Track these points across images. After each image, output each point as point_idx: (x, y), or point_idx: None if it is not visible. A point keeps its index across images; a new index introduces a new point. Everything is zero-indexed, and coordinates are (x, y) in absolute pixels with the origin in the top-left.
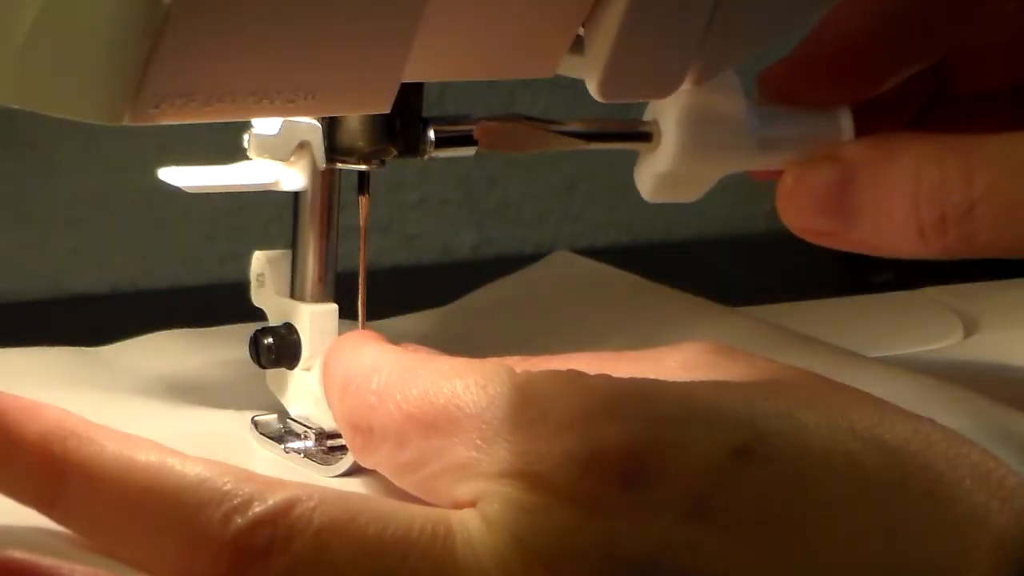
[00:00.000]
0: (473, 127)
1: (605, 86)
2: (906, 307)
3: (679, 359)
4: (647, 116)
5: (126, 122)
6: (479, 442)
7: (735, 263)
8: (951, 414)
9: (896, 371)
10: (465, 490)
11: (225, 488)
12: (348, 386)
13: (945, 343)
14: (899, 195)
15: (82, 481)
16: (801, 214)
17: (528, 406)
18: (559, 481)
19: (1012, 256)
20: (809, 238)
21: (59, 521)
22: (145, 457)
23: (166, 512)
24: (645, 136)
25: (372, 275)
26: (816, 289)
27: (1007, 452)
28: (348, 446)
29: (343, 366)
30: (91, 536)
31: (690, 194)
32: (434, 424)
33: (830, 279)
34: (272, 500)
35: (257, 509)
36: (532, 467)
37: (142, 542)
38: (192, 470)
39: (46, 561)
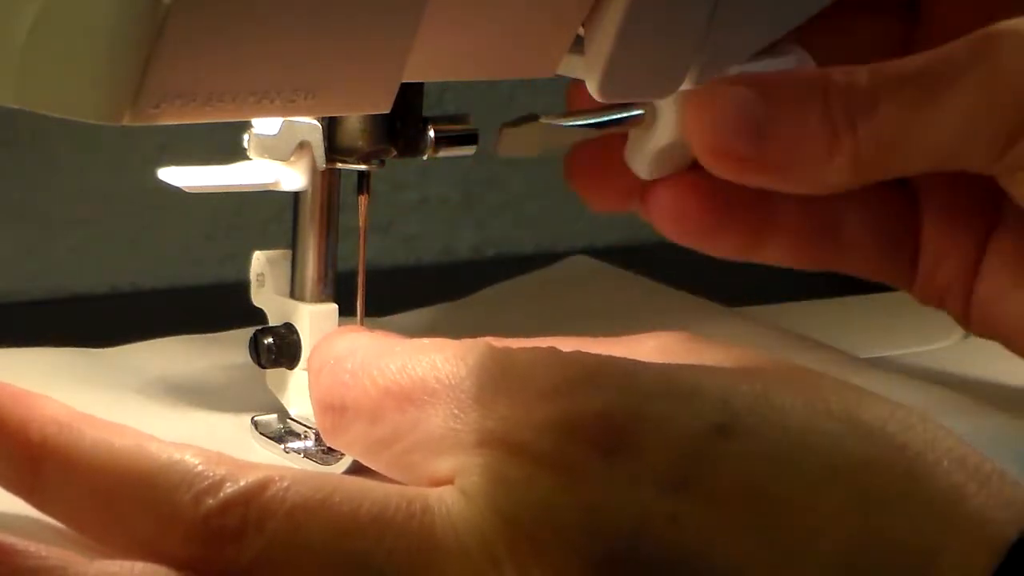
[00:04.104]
0: (477, 128)
1: (605, 86)
2: (904, 308)
3: (655, 345)
4: None
5: (126, 122)
6: (456, 412)
7: (734, 263)
8: (944, 418)
9: (892, 375)
10: (442, 465)
11: (196, 470)
12: (323, 368)
13: (943, 344)
14: (810, 101)
15: (59, 467)
16: (717, 132)
17: (508, 376)
18: (540, 448)
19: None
20: (718, 166)
21: (39, 507)
22: (121, 443)
23: (139, 495)
24: (639, 117)
25: (372, 275)
26: (816, 289)
27: (1003, 458)
28: (319, 427)
29: (321, 353)
30: (70, 522)
31: (683, 161)
32: (410, 396)
33: (829, 279)
34: (244, 481)
35: (228, 490)
36: (512, 435)
37: (117, 526)
38: (165, 453)
39: (18, 542)
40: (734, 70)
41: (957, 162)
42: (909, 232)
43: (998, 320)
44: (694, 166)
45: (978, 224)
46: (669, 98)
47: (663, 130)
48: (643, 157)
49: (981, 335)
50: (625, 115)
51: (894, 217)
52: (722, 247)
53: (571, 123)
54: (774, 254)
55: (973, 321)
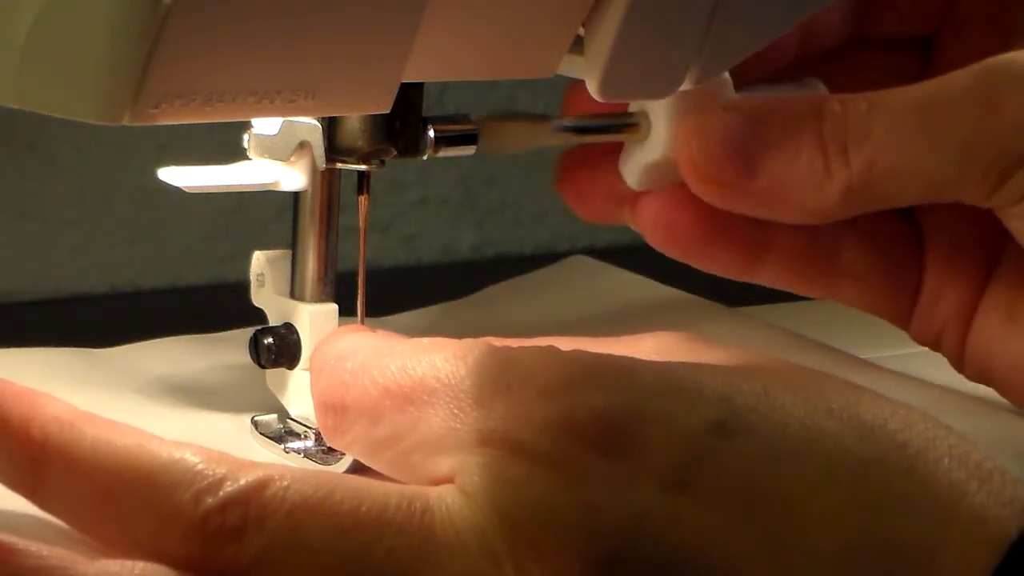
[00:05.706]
0: (475, 126)
1: (605, 86)
2: None
3: (654, 345)
4: (633, 108)
5: (126, 122)
6: (456, 411)
7: None
8: (944, 418)
9: (892, 375)
10: (443, 464)
11: (197, 468)
12: (323, 368)
13: None
14: (803, 129)
15: (60, 465)
16: (707, 159)
17: (508, 376)
18: (540, 447)
19: (903, 198)
20: (706, 192)
21: (41, 506)
22: (122, 441)
23: (139, 494)
24: (634, 126)
25: (372, 275)
26: None
27: (1003, 458)
28: (320, 428)
29: (323, 353)
30: (71, 521)
31: (675, 179)
32: (410, 396)
33: None
34: (244, 480)
35: (229, 489)
36: (512, 434)
37: (117, 525)
38: (165, 451)
39: (19, 541)
40: (746, 93)
41: (952, 194)
42: (912, 267)
43: (990, 365)
44: None
45: (979, 265)
46: (664, 114)
47: (655, 145)
48: (634, 168)
49: (973, 379)
50: (616, 123)
51: (897, 250)
52: (713, 262)
53: (557, 124)
54: (769, 275)
55: (967, 365)
